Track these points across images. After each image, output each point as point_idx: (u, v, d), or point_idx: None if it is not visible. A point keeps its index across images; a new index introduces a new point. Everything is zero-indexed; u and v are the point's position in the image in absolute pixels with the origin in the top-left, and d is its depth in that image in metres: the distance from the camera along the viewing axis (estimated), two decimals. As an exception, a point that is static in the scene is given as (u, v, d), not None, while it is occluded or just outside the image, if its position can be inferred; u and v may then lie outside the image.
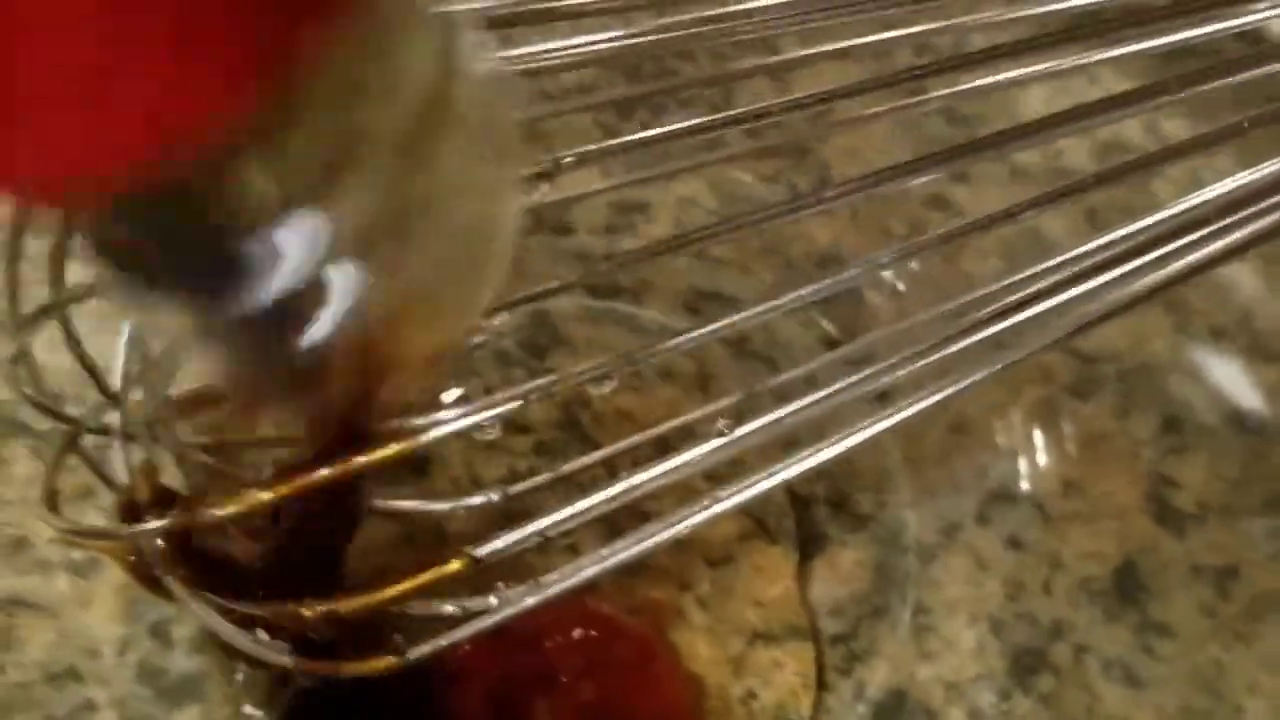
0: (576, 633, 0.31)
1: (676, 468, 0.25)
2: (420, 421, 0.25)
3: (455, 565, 0.24)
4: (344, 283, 0.17)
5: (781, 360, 0.38)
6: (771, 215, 0.33)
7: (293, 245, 0.17)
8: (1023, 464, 0.34)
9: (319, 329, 0.18)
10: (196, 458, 0.28)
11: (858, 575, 0.33)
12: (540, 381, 0.26)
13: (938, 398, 0.26)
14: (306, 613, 0.24)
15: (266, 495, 0.23)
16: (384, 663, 0.26)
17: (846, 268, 0.29)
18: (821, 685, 0.31)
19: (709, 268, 0.38)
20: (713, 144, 0.40)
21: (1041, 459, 0.34)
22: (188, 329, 0.19)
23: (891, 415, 0.26)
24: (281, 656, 0.26)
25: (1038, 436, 0.35)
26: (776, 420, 0.25)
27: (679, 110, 0.41)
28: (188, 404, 0.25)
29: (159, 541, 0.26)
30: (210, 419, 0.30)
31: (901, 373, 0.27)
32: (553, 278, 0.38)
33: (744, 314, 0.31)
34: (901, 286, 0.37)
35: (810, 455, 0.26)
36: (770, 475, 0.26)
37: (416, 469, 0.34)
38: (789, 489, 0.34)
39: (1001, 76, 0.31)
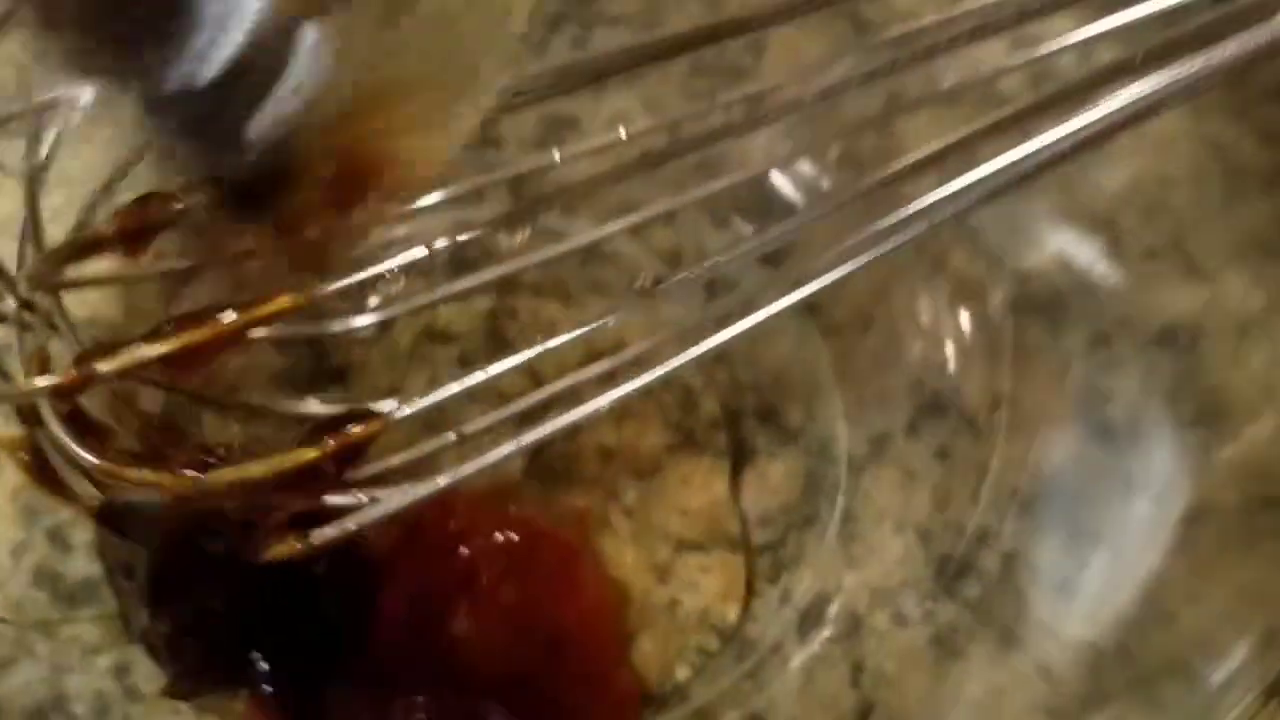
0: (498, 536, 0.30)
1: (589, 331, 0.24)
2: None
3: (374, 426, 0.24)
4: (306, 54, 0.15)
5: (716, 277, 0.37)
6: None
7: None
8: (953, 377, 0.34)
9: (278, 104, 0.16)
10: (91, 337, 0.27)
11: (787, 486, 0.33)
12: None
13: (842, 272, 0.25)
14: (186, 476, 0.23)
15: (156, 350, 0.22)
16: (286, 548, 0.25)
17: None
18: (749, 592, 0.31)
19: (642, 182, 0.37)
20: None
21: (973, 372, 0.34)
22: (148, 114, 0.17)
23: (794, 293, 0.25)
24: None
25: (969, 350, 0.34)
26: (692, 277, 0.24)
27: (608, 26, 0.40)
28: (79, 248, 0.24)
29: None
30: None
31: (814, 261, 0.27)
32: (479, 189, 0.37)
33: (651, 209, 0.30)
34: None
35: (715, 336, 0.26)
36: (675, 358, 0.25)
37: (335, 377, 0.33)
38: (719, 402, 0.34)
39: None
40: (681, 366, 0.25)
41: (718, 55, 0.41)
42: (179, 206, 0.21)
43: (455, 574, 0.30)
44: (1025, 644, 0.30)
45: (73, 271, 0.26)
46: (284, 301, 0.23)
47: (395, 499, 0.25)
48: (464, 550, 0.30)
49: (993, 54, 0.38)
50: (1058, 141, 0.23)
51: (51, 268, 0.25)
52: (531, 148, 0.39)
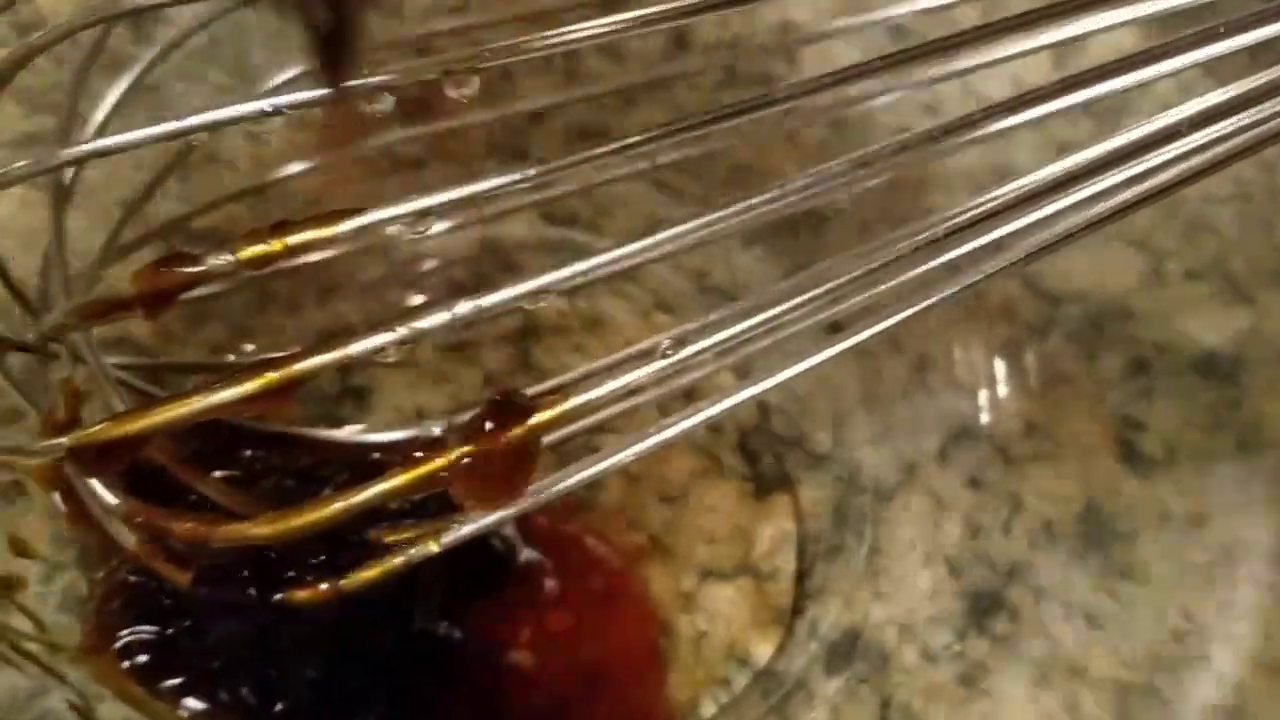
0: (553, 558, 0.30)
1: (616, 389, 0.23)
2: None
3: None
4: None
5: (744, 296, 0.36)
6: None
7: None
8: (985, 403, 0.33)
9: None
10: (117, 374, 0.27)
11: (813, 514, 0.32)
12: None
13: (888, 323, 0.25)
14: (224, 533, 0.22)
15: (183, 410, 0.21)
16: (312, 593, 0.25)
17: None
18: (774, 623, 0.30)
19: (670, 198, 0.37)
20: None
21: (1005, 398, 0.33)
22: None
23: (840, 342, 0.25)
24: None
25: (1001, 375, 0.34)
26: (721, 341, 0.23)
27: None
28: (100, 308, 0.23)
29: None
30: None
31: (855, 300, 0.26)
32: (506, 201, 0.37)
33: (683, 228, 0.29)
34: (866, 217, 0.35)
35: (754, 384, 0.25)
36: (712, 404, 0.25)
37: (356, 396, 0.33)
38: (746, 425, 0.33)
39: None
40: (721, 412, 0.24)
41: (750, 64, 0.40)
42: (200, 268, 0.21)
43: (523, 589, 0.29)
44: (1054, 683, 0.29)
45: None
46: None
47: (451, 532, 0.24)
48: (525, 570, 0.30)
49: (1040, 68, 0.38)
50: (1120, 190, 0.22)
51: (75, 321, 0.25)
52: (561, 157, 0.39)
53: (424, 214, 0.21)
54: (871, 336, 0.25)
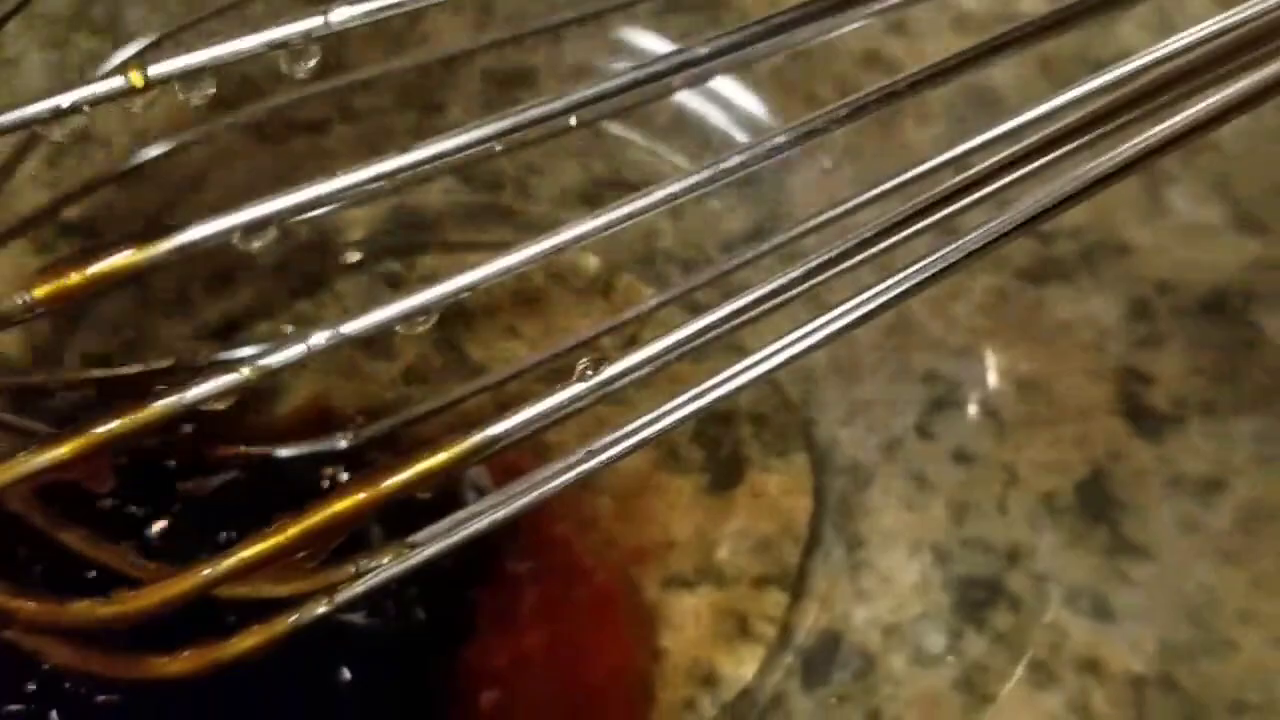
0: (538, 565, 0.26)
1: (528, 421, 0.19)
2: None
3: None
4: None
5: (695, 257, 0.32)
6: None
7: None
8: (970, 363, 0.30)
9: None
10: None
11: (784, 504, 0.29)
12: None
13: (875, 304, 0.21)
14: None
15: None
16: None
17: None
18: (743, 633, 0.27)
19: (609, 148, 0.33)
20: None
21: (992, 356, 0.30)
22: None
23: (823, 326, 0.21)
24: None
25: (989, 328, 0.30)
26: (650, 359, 0.20)
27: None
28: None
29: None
30: None
31: (830, 273, 0.22)
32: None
33: (636, 204, 0.25)
34: (828, 163, 0.31)
35: (718, 385, 0.21)
36: (665, 415, 0.21)
37: (259, 399, 0.29)
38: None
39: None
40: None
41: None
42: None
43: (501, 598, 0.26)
44: (1062, 681, 0.26)
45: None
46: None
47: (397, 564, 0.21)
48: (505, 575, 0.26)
49: None
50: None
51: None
52: (480, 110, 0.34)
53: (262, 224, 0.17)
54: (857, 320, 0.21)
